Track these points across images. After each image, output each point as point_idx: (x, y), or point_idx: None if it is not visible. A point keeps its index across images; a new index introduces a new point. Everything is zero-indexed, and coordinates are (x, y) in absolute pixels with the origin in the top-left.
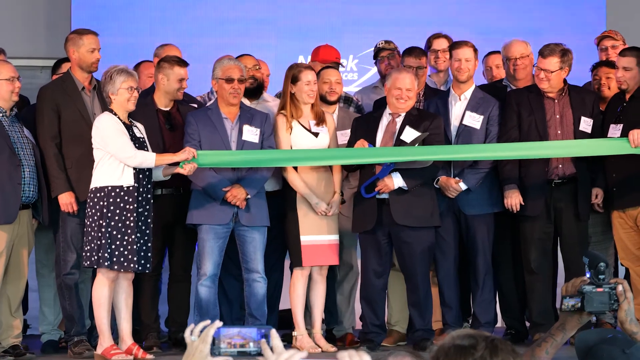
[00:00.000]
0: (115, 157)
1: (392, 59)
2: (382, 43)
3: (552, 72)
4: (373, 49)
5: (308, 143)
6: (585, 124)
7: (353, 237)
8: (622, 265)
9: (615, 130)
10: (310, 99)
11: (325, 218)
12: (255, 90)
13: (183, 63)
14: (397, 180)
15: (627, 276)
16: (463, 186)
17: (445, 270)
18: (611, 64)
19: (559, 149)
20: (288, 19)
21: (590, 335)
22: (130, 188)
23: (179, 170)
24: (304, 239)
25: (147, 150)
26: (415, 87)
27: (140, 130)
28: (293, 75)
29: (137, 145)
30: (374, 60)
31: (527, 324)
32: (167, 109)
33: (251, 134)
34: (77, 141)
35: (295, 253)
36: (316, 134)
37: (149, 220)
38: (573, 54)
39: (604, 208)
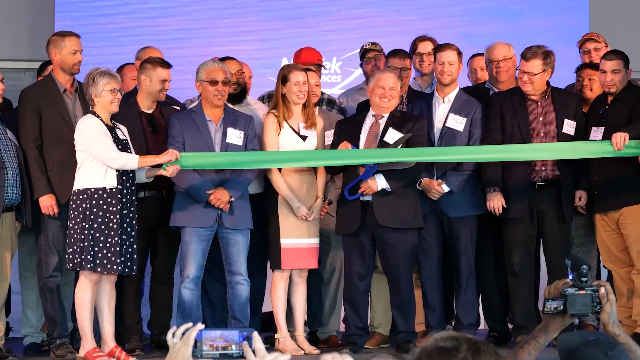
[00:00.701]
0: (98, 159)
1: (379, 60)
2: (368, 44)
3: (535, 74)
4: (359, 50)
5: (295, 145)
6: (569, 126)
7: (340, 238)
8: (604, 267)
9: (596, 132)
10: (299, 100)
11: (306, 221)
12: (238, 95)
13: (166, 64)
14: (380, 182)
15: (610, 278)
16: (446, 188)
17: (428, 273)
18: (596, 66)
19: (541, 151)
20: (271, 22)
21: (573, 337)
22: (113, 190)
23: (161, 172)
24: (284, 241)
25: (130, 152)
26: (399, 87)
27: (123, 132)
28: (283, 75)
29: (120, 147)
30: (360, 62)
31: (510, 326)
32: (150, 111)
33: (235, 136)
34: (59, 143)
35: (274, 256)
36: (304, 137)
37: (134, 222)
38: (555, 55)
39: (587, 210)
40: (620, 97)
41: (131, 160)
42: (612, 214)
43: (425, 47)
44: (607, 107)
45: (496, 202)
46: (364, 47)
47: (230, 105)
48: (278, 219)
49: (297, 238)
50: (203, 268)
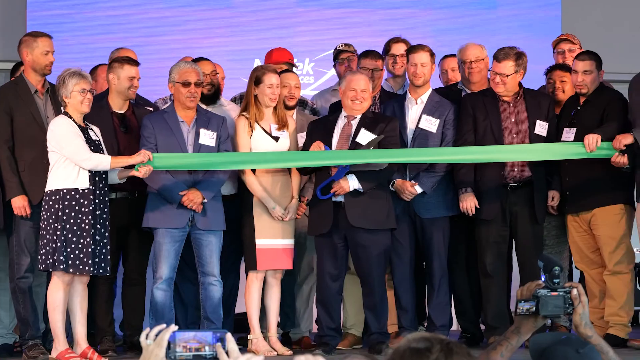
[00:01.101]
0: (71, 159)
1: (352, 61)
2: (341, 45)
3: (507, 75)
4: (331, 52)
5: (268, 147)
6: (541, 128)
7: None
8: (577, 268)
9: (568, 134)
10: (272, 102)
11: (281, 222)
12: (212, 96)
13: (133, 62)
14: (352, 182)
15: (582, 279)
16: (419, 189)
17: (401, 274)
18: (566, 67)
19: (514, 153)
20: (244, 23)
21: (545, 337)
22: (86, 191)
23: (134, 173)
24: (259, 242)
25: (103, 152)
26: (370, 89)
27: (95, 132)
28: (257, 77)
29: (92, 147)
30: (334, 63)
31: (482, 326)
32: (122, 111)
33: (208, 137)
34: (30, 144)
35: (250, 256)
36: (276, 138)
37: (107, 223)
38: (527, 49)
39: (559, 211)
40: (592, 99)
41: (103, 161)
42: (584, 215)
43: (399, 49)
44: (579, 108)
45: (469, 203)
46: (338, 48)
47: (204, 106)
48: (253, 219)
49: (272, 239)
50: (176, 269)
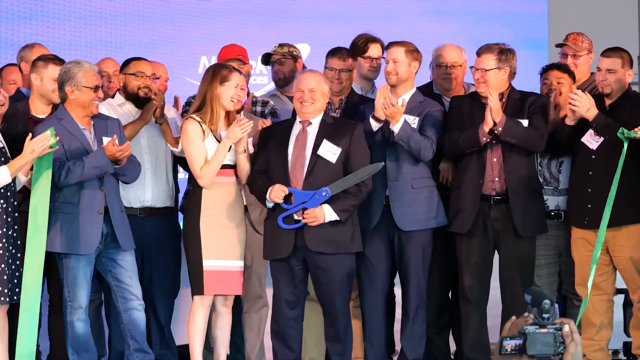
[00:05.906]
0: None
1: (282, 65)
2: (276, 47)
3: (487, 70)
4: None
5: None
6: None
7: (262, 262)
8: (567, 293)
9: (593, 139)
10: (236, 105)
11: (231, 241)
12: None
13: (59, 61)
14: (328, 214)
15: (565, 309)
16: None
17: (371, 301)
18: (563, 67)
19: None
20: (196, 21)
21: None
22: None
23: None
24: (207, 263)
25: (8, 159)
26: (323, 89)
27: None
28: (223, 75)
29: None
30: (270, 65)
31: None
32: (43, 116)
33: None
34: None
35: (196, 279)
36: None
37: (18, 243)
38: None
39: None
40: (620, 102)
41: (2, 175)
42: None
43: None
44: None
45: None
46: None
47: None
48: (199, 237)
49: (221, 259)
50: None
